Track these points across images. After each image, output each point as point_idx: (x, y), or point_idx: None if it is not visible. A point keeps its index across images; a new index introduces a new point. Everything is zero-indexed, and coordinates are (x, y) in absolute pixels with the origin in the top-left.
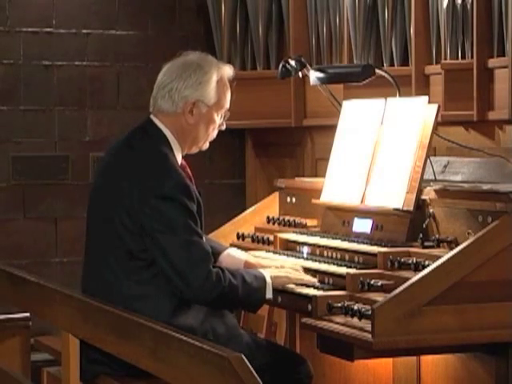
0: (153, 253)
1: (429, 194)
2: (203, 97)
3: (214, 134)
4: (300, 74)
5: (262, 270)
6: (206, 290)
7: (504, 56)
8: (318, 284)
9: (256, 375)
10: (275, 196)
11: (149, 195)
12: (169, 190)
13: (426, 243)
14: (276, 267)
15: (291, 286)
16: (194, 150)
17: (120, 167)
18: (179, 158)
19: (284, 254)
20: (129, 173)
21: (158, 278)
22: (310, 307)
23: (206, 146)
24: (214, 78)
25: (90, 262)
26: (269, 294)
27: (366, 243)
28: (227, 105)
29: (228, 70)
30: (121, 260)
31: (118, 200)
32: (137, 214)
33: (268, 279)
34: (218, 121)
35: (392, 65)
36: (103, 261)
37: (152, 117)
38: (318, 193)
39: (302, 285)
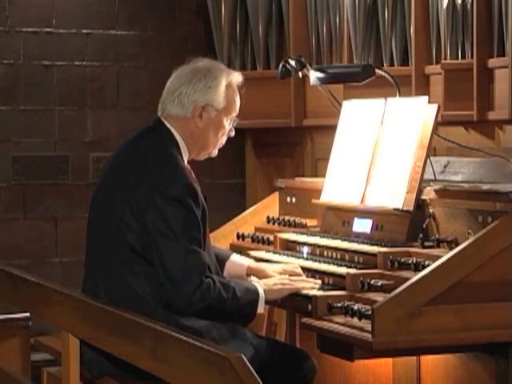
0: (150, 252)
1: (429, 194)
2: (212, 101)
3: (223, 140)
4: (300, 73)
5: (256, 283)
6: (194, 301)
7: (504, 56)
8: (317, 286)
9: (256, 375)
10: (275, 196)
11: (156, 194)
12: (176, 191)
13: (426, 243)
14: (274, 272)
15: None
16: (203, 156)
17: (128, 165)
18: (185, 162)
19: (284, 254)
20: (137, 171)
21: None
22: (310, 307)
23: (215, 152)
24: (224, 83)
25: (91, 263)
26: (260, 309)
27: (366, 243)
28: (236, 111)
29: (237, 77)
30: (124, 258)
31: (124, 197)
32: (141, 212)
33: (261, 293)
34: (228, 126)
35: (392, 65)
36: (106, 261)
37: (162, 119)
38: (317, 193)
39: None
